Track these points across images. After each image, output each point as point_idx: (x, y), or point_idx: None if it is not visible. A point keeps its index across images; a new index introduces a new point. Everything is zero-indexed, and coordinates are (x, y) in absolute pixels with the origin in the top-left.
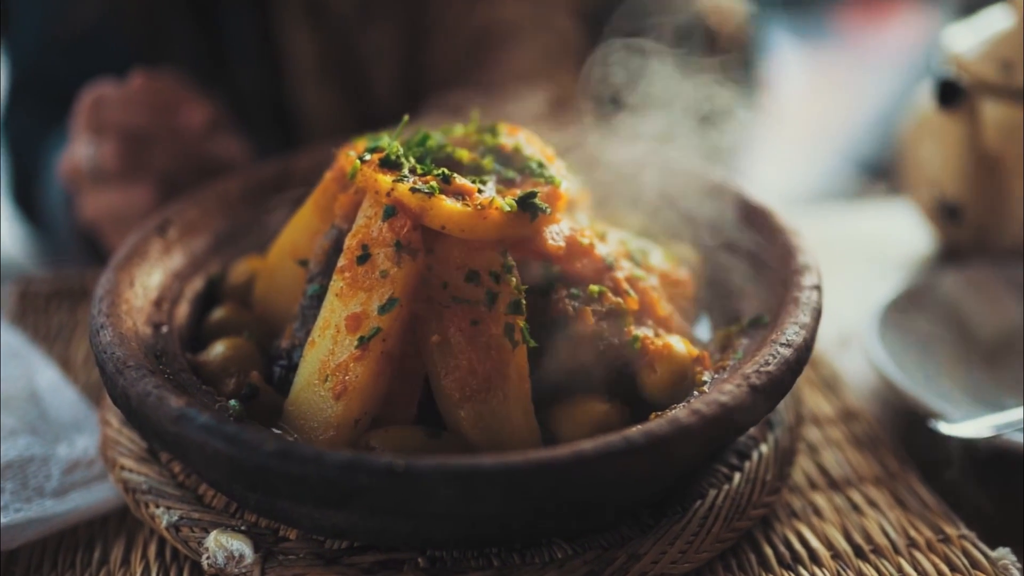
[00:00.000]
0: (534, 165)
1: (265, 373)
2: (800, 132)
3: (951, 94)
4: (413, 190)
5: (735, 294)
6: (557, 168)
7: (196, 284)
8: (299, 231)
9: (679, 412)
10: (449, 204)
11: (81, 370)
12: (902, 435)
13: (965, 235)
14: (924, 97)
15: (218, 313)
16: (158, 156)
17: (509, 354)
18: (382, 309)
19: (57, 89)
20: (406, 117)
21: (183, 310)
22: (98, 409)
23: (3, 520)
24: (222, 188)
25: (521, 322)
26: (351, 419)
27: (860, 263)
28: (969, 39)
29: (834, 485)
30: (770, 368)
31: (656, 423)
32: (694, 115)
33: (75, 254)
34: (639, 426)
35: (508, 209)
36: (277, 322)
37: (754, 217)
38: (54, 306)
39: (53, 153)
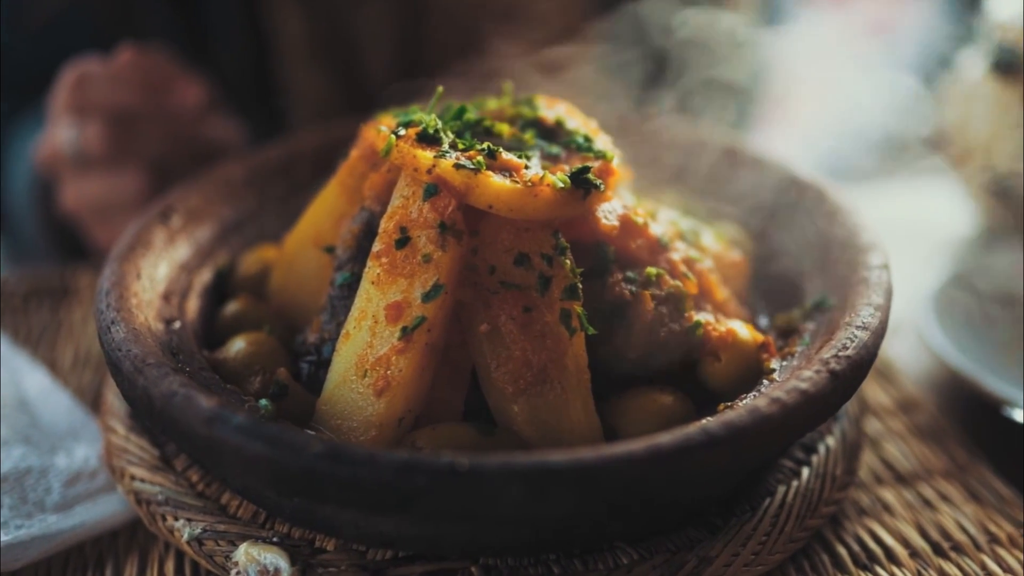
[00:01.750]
0: (580, 139)
1: (291, 370)
2: (806, 110)
3: (1009, 62)
4: (457, 166)
5: (790, 276)
6: (604, 142)
7: (204, 276)
8: (322, 215)
9: (758, 401)
10: (497, 181)
11: (71, 374)
12: (967, 424)
13: (1016, 213)
14: (970, 70)
15: (232, 307)
16: (149, 139)
17: (566, 343)
18: (426, 296)
19: (22, 75)
20: (440, 88)
21: (193, 304)
22: (97, 415)
23: (3, 538)
24: (224, 173)
25: (578, 308)
26: (394, 417)
27: (900, 245)
28: (1013, 7)
29: (901, 479)
30: (848, 352)
31: (735, 414)
32: (705, 85)
33: (44, 251)
34: (715, 417)
35: (561, 186)
36: (297, 315)
37: (806, 194)
38: (33, 306)
39: (19, 142)
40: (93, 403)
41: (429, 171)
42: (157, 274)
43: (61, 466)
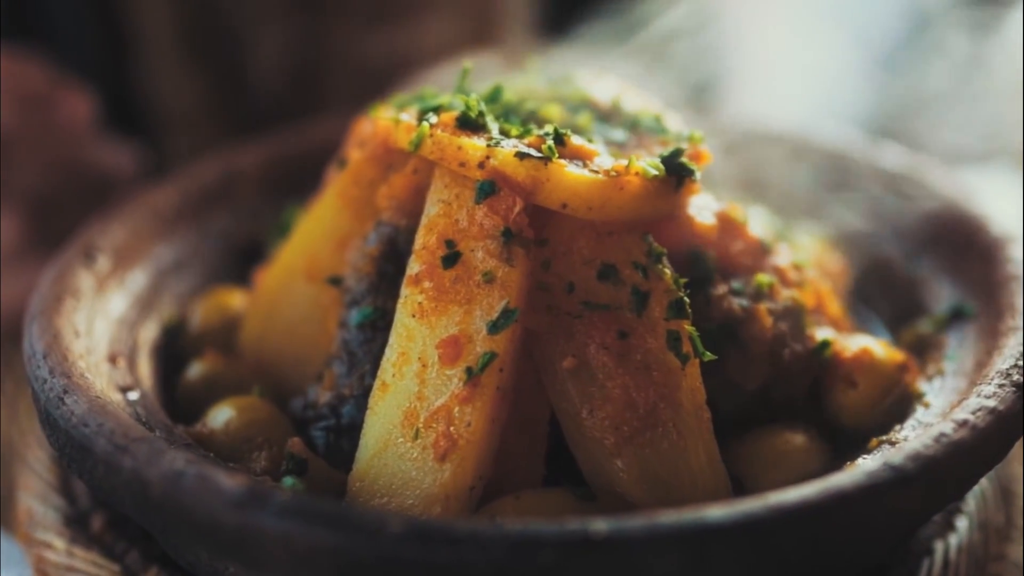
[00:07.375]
0: (649, 121)
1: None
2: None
3: None
4: (520, 155)
5: (899, 282)
6: (676, 123)
7: (149, 332)
8: (318, 239)
9: (940, 427)
10: (574, 172)
11: None
12: None
13: None
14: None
15: (197, 369)
16: (26, 169)
17: (678, 374)
18: (493, 326)
19: None
20: (468, 63)
21: (145, 368)
22: (10, 530)
23: None
24: (151, 202)
25: (688, 327)
26: (465, 486)
27: None
28: None
29: None
30: None
31: (919, 443)
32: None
33: None
34: (893, 451)
35: (655, 174)
36: (288, 372)
37: (901, 183)
38: None
39: None
40: None
41: (481, 165)
42: (95, 331)
43: None
